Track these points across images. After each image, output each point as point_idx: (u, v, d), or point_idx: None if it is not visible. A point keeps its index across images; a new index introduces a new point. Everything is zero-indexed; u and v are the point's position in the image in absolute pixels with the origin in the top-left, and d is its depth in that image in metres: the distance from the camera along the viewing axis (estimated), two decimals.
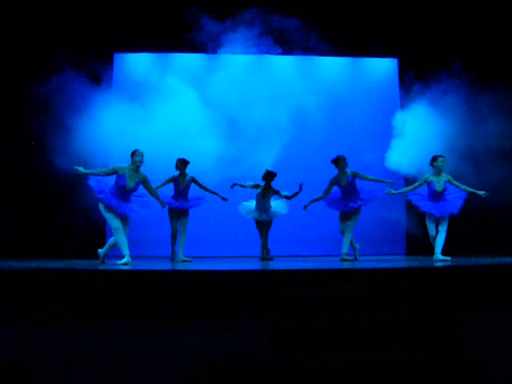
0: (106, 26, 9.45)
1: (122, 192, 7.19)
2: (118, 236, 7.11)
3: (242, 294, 5.42)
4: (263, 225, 8.55)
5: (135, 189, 7.28)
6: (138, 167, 7.27)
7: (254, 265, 7.29)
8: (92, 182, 7.19)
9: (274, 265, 7.26)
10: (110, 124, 8.44)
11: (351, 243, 8.38)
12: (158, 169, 8.19)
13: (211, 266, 7.02)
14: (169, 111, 8.82)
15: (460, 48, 9.43)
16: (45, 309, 5.24)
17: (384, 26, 9.86)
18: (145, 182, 7.34)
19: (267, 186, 8.42)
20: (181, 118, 8.80)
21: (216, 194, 8.40)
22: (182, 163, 8.24)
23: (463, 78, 8.65)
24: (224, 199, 8.45)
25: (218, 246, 9.88)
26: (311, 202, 8.23)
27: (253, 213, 8.52)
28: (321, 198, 8.27)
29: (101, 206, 7.18)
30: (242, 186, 8.51)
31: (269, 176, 8.41)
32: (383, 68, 10.81)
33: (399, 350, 4.83)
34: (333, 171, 8.29)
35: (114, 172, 7.21)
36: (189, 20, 8.79)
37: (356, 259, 8.42)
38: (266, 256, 8.50)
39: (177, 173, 8.27)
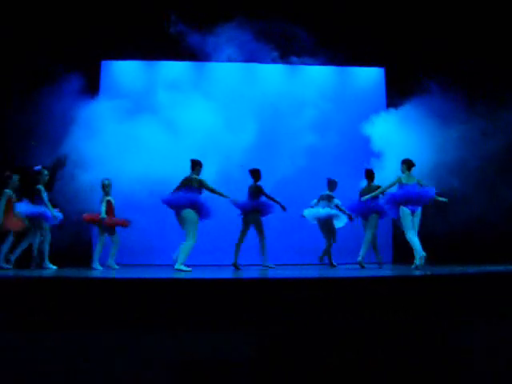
0: (94, 33, 9.42)
1: None
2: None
3: (228, 302, 5.41)
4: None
5: None
6: None
7: (237, 273, 7.26)
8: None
9: (261, 274, 7.25)
10: (97, 132, 8.44)
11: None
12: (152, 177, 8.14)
13: (197, 274, 6.98)
14: (158, 120, 8.77)
15: (447, 58, 9.52)
16: (29, 316, 5.20)
17: (371, 35, 9.96)
18: None
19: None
20: (170, 125, 8.76)
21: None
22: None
23: (449, 88, 8.70)
24: None
25: (202, 254, 9.80)
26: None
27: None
28: None
29: None
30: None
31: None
32: (370, 77, 10.89)
33: (379, 357, 4.86)
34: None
35: None
36: (177, 28, 8.84)
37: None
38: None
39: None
